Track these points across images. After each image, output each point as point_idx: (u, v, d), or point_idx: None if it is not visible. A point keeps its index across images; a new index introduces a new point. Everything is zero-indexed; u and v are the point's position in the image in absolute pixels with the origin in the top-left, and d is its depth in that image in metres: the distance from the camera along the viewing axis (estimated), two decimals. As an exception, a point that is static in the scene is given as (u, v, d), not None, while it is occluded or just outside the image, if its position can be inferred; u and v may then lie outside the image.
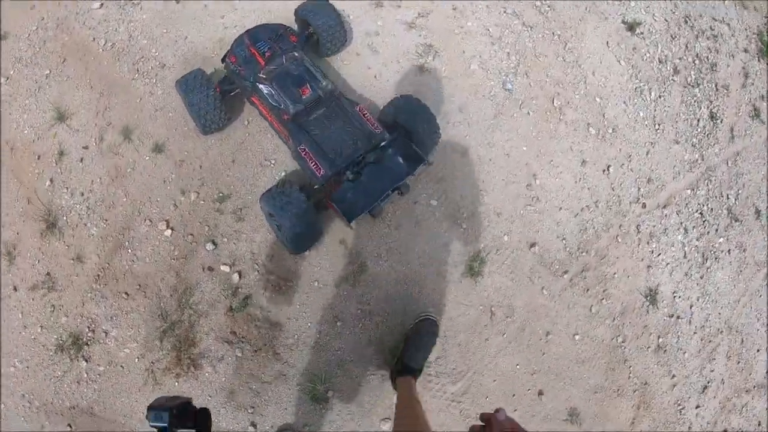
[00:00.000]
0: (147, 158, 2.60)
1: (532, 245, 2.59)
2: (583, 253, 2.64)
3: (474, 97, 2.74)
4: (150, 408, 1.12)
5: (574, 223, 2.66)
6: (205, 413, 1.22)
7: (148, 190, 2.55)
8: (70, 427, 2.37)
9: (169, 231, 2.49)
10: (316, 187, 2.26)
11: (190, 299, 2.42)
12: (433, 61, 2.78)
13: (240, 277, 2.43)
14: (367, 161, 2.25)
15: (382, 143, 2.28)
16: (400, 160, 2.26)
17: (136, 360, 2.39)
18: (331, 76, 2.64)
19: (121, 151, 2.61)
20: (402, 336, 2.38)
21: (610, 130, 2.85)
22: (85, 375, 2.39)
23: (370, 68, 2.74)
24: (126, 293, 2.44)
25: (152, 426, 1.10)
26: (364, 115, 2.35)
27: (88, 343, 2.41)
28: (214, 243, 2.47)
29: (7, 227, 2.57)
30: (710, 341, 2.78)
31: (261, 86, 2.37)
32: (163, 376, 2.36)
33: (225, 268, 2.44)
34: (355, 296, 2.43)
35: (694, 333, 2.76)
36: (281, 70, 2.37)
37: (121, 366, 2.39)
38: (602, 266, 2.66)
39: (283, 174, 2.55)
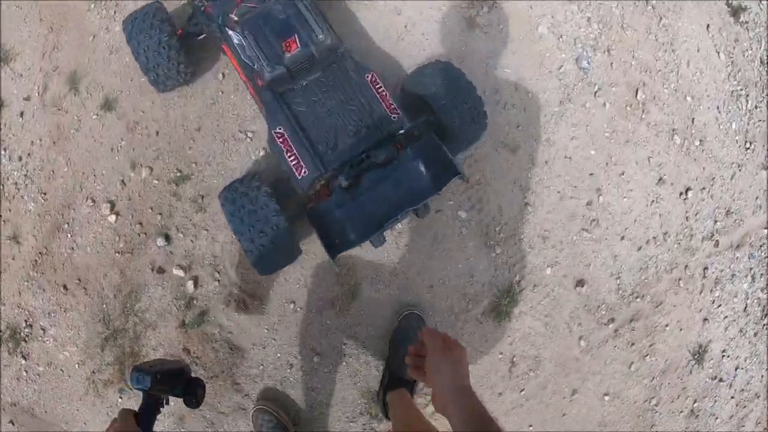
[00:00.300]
0: (94, 117, 1.07)
1: (579, 283, 1.07)
2: (637, 299, 1.12)
3: (537, 72, 1.07)
4: (134, 368, 0.58)
5: (635, 259, 1.11)
6: (198, 382, 0.61)
7: (93, 160, 1.06)
8: (13, 423, 1.11)
9: (114, 216, 1.03)
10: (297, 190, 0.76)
11: (135, 305, 1.03)
12: (488, 14, 1.07)
13: (196, 285, 1.01)
14: (372, 161, 0.73)
15: (399, 133, 0.74)
16: (422, 167, 0.73)
17: (76, 366, 1.06)
18: (342, 21, 0.99)
19: (65, 105, 1.08)
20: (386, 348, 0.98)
21: (697, 142, 1.17)
22: (24, 373, 1.08)
23: (400, 14, 1.06)
24: (65, 287, 1.06)
25: (135, 388, 0.57)
26: (376, 88, 0.79)
27: (26, 339, 1.07)
28: (166, 238, 1.02)
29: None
30: (745, 406, 1.31)
31: (231, 33, 0.79)
32: (105, 389, 1.04)
33: (178, 272, 1.01)
34: (342, 327, 1.00)
35: (732, 397, 1.28)
36: (261, 12, 0.78)
37: (61, 370, 1.07)
38: (655, 316, 1.14)
39: (262, 154, 1.01)
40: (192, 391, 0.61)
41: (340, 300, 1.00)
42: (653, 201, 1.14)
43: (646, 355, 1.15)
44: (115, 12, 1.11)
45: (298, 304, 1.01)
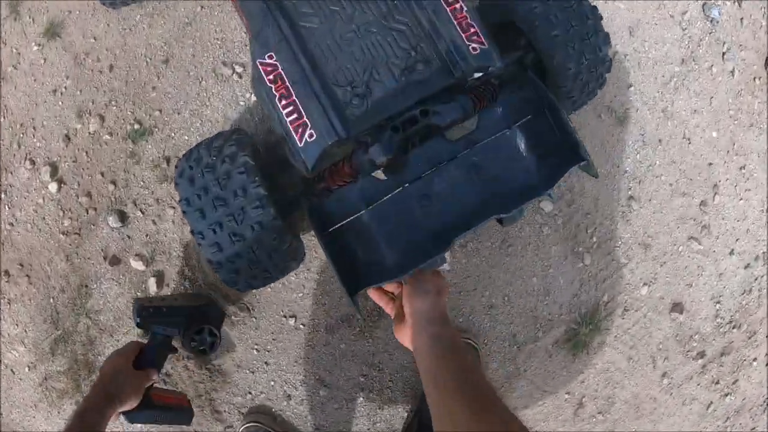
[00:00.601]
0: (35, 47, 0.55)
1: (676, 307, 0.63)
2: (734, 329, 0.69)
3: (656, 14, 0.59)
4: (135, 300, 0.49)
5: (740, 279, 0.68)
6: (209, 330, 0.47)
7: (32, 106, 0.56)
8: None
9: (56, 184, 0.54)
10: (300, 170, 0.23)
11: (87, 302, 0.56)
12: None
13: (160, 284, 0.54)
14: (432, 124, 0.18)
15: (477, 76, 0.19)
16: (522, 143, 0.20)
17: (27, 369, 0.59)
18: None
19: (4, 34, 0.56)
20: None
21: (817, 136, 0.71)
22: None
23: None
24: (7, 273, 0.58)
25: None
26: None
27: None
28: (121, 216, 0.53)
29: None
30: (801, 442, 0.92)
31: None
32: (61, 400, 0.59)
33: (137, 264, 0.54)
34: (361, 353, 0.56)
35: (793, 433, 0.89)
36: None
37: (12, 371, 0.60)
38: (746, 348, 0.72)
39: (251, 100, 0.52)
40: (189, 335, 0.45)
41: (361, 319, 0.56)
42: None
43: (728, 394, 0.74)
44: None
45: (300, 319, 0.56)
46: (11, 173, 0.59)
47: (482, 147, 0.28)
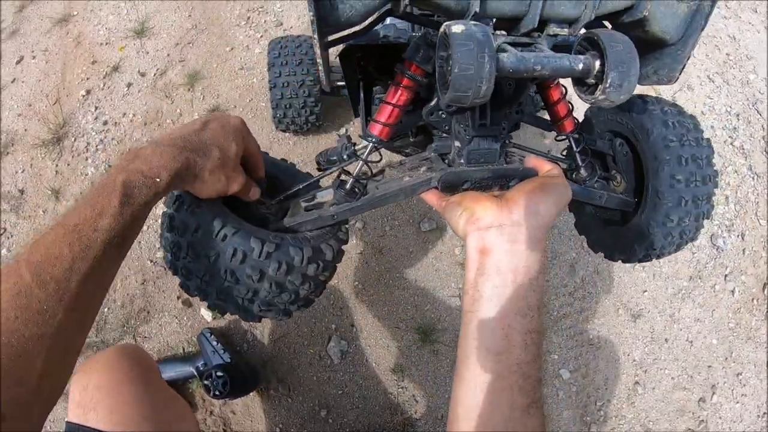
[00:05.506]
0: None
1: None
2: None
3: None
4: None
5: None
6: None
7: None
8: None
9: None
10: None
11: (140, 326, 0.76)
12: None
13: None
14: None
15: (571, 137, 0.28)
16: None
17: None
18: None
19: (174, 95, 0.93)
20: None
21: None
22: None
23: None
24: None
25: None
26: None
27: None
28: None
29: (20, 118, 0.97)
30: None
31: None
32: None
33: (206, 314, 0.76)
34: None
35: None
36: None
37: None
38: None
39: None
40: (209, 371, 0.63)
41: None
42: (765, 413, 0.88)
43: None
44: (261, 36, 1.00)
45: (332, 413, 0.73)
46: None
47: None
